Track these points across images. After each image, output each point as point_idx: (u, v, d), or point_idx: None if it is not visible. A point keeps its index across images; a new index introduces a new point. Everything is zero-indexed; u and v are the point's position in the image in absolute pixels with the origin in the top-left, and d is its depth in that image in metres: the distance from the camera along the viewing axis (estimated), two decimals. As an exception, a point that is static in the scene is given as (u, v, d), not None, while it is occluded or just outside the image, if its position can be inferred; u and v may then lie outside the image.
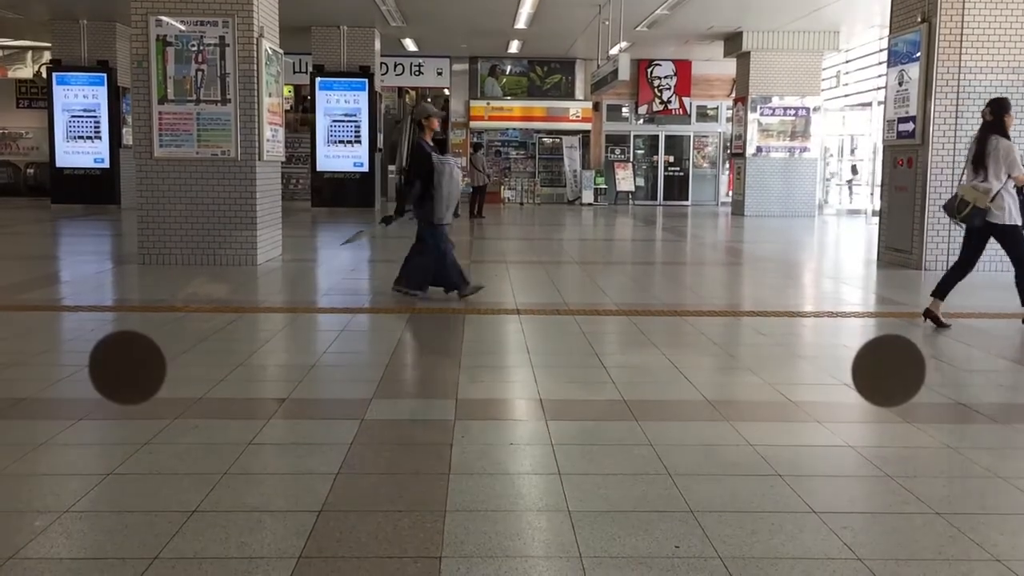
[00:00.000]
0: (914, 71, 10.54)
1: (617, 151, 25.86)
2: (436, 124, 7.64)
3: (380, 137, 21.10)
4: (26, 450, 3.62)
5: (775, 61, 20.09)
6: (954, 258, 10.32)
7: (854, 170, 24.31)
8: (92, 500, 3.13)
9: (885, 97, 11.49)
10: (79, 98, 18.86)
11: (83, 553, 2.74)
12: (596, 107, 25.18)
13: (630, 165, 25.43)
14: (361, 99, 19.86)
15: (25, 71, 25.69)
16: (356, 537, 2.82)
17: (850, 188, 24.56)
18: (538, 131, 25.33)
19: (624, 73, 16.14)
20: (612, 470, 3.51)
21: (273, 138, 10.50)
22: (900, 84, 10.89)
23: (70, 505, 3.05)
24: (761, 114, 20.33)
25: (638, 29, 18.78)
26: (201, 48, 9.78)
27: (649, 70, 24.94)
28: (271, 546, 2.75)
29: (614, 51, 17.14)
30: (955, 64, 10.22)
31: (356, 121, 19.93)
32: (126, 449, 3.63)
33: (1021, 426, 4.35)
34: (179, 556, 2.67)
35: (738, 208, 20.82)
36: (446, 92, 25.98)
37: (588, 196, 24.67)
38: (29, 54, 25.70)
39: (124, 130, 18.84)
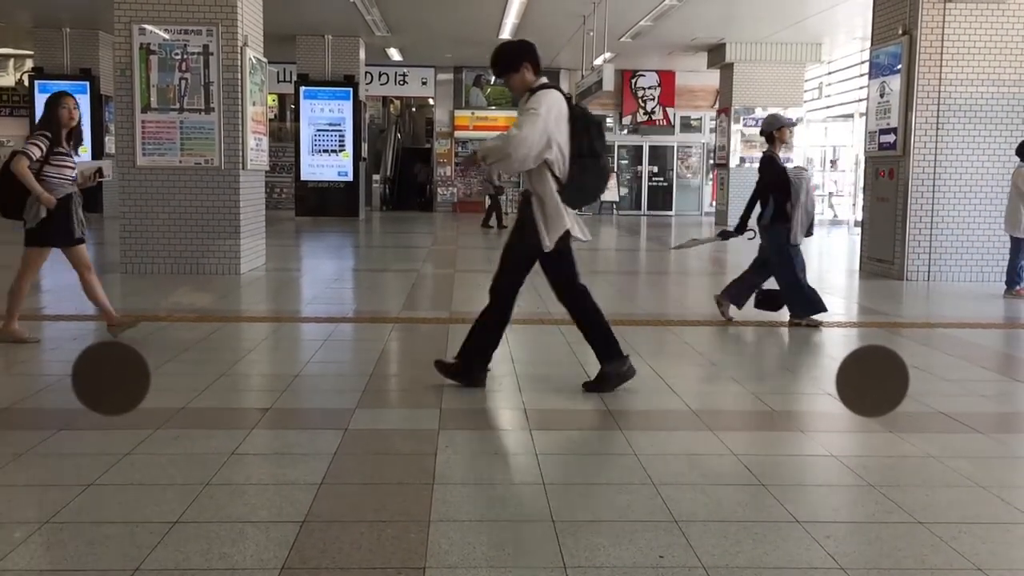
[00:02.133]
0: (895, 83, 10.63)
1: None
2: (788, 135, 7.13)
3: (364, 147, 21.08)
4: (5, 461, 3.58)
5: (758, 72, 20.23)
6: (935, 268, 10.48)
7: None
8: (72, 511, 3.09)
9: (867, 108, 11.58)
10: (61, 106, 18.75)
11: (63, 565, 2.71)
12: (580, 117, 25.23)
13: (614, 175, 25.52)
14: (346, 108, 19.87)
15: (7, 79, 25.52)
16: (339, 548, 2.80)
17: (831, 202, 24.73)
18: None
19: (608, 83, 16.21)
20: (597, 480, 3.51)
21: (257, 147, 10.47)
22: (882, 96, 10.98)
23: (50, 516, 3.02)
24: (744, 125, 20.46)
25: (622, 40, 18.86)
26: (185, 57, 9.76)
27: (633, 81, 25.06)
28: (253, 557, 2.73)
29: (598, 61, 17.21)
30: (936, 76, 10.31)
31: (340, 130, 19.92)
32: (107, 460, 3.60)
33: (1002, 436, 4.38)
34: (160, 568, 2.64)
35: (721, 218, 20.90)
36: (431, 102, 26.03)
37: (572, 206, 24.69)
38: (11, 62, 25.54)
39: (107, 138, 18.76)
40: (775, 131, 7.03)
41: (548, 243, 4.68)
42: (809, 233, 7.13)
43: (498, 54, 4.83)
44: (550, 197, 4.64)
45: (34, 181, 5.68)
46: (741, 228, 7.16)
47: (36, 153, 5.70)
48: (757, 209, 7.10)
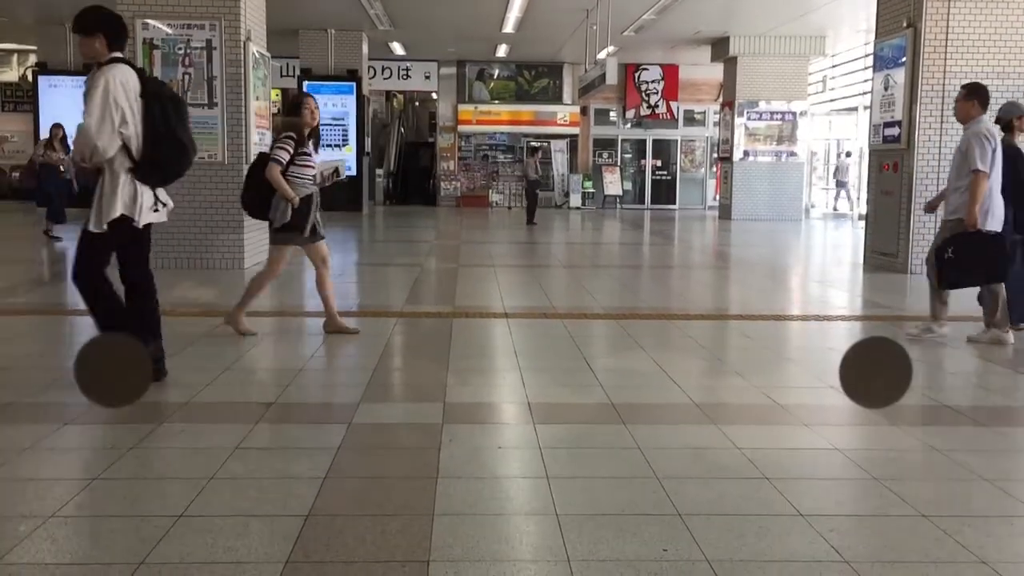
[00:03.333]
0: (900, 76, 10.60)
1: (605, 155, 25.92)
2: None
3: (368, 141, 21.06)
4: (10, 455, 3.59)
5: (762, 66, 20.19)
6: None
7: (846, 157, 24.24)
8: (77, 505, 3.11)
9: (871, 102, 11.55)
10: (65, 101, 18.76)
11: (68, 559, 2.72)
12: (584, 111, 25.24)
13: (618, 169, 25.49)
14: (349, 103, 19.86)
15: (10, 74, 25.52)
16: (343, 541, 2.81)
17: (839, 190, 24.60)
18: (526, 135, 25.36)
19: (612, 77, 16.19)
20: (600, 473, 3.51)
21: (260, 142, 10.47)
22: (886, 89, 10.95)
23: (55, 510, 3.03)
24: (748, 118, 20.42)
25: (625, 34, 18.83)
26: (188, 51, 9.76)
27: (636, 74, 25.01)
28: (258, 551, 2.74)
29: (601, 55, 17.19)
30: (940, 69, 10.28)
31: (344, 125, 19.91)
32: (112, 454, 3.61)
33: (1006, 429, 4.37)
34: (165, 561, 2.65)
35: (725, 212, 20.89)
36: (434, 96, 26.00)
37: (576, 200, 24.71)
38: (14, 57, 25.55)
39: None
40: (1015, 119, 6.60)
41: (95, 225, 4.54)
42: None
43: (81, 15, 4.63)
44: (116, 175, 4.53)
45: (286, 186, 5.86)
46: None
47: (285, 158, 5.87)
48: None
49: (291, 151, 5.90)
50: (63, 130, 14.12)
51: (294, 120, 6.00)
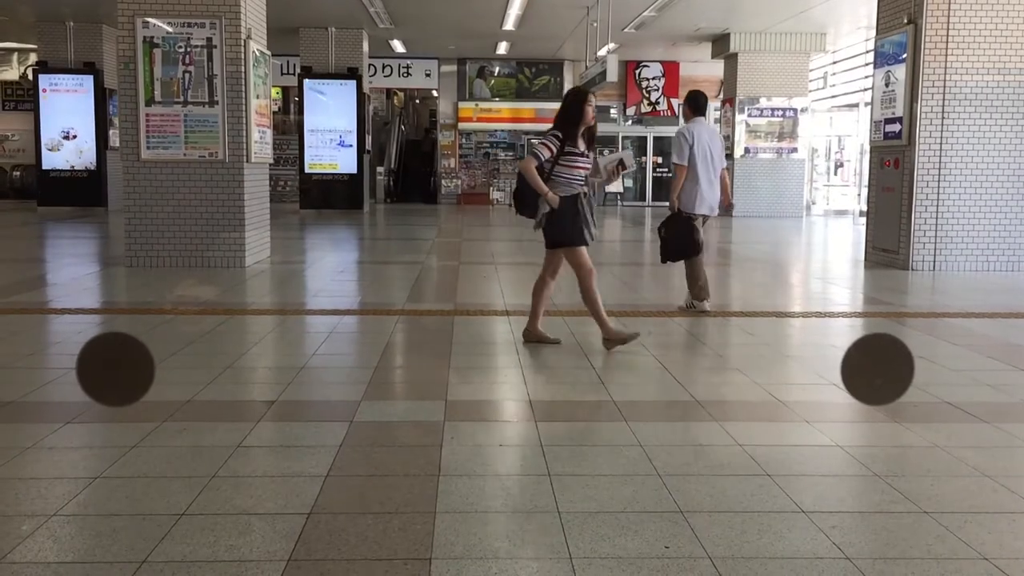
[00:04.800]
0: (900, 72, 10.59)
1: (605, 152, 25.86)
2: None
3: (368, 139, 21.05)
4: (13, 454, 3.60)
5: (762, 62, 20.15)
6: (941, 258, 10.45)
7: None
8: (79, 504, 3.11)
9: (872, 98, 11.54)
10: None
11: (70, 557, 2.72)
12: (584, 108, 25.18)
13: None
14: (349, 101, 19.81)
15: (11, 73, 25.51)
16: (345, 539, 2.81)
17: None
18: (527, 132, 25.31)
19: (612, 74, 16.16)
20: (602, 471, 3.51)
21: (261, 140, 10.47)
22: (887, 85, 10.94)
23: (57, 509, 3.03)
24: (749, 115, 20.39)
25: (626, 31, 18.81)
26: (188, 50, 9.75)
27: (637, 71, 24.98)
28: (260, 549, 2.74)
29: (602, 52, 17.16)
30: (941, 65, 10.27)
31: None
32: (114, 452, 3.61)
33: (1008, 425, 4.37)
34: (167, 560, 2.65)
35: (726, 209, 20.84)
36: (434, 94, 25.98)
37: (576, 197, 24.67)
38: (15, 56, 25.53)
39: (111, 132, 18.75)
40: None
41: None
42: None
43: None
44: None
45: (539, 181, 5.57)
46: None
47: (545, 154, 5.60)
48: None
49: (554, 148, 5.56)
50: None
51: (568, 116, 5.63)
